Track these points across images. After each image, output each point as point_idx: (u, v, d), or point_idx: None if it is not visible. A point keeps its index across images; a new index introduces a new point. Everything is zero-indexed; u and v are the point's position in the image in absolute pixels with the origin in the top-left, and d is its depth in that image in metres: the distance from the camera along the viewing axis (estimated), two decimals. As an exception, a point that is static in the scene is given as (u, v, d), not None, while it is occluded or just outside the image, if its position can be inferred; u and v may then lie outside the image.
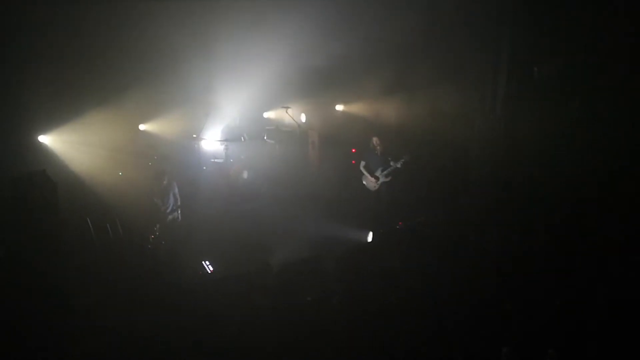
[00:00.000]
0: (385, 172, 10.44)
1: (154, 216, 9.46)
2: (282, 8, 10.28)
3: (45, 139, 10.09)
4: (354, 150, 11.93)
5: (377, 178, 10.49)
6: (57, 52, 9.51)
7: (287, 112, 12.11)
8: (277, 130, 12.51)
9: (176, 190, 9.81)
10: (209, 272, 8.61)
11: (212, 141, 11.74)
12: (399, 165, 10.31)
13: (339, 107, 13.07)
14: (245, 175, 11.83)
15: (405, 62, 11.34)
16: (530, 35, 9.96)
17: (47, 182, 7.84)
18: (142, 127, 11.49)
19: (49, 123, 10.00)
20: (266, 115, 12.95)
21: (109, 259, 8.78)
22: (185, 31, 10.30)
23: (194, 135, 11.71)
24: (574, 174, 8.79)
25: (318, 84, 12.00)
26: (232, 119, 11.98)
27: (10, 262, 7.39)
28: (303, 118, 12.66)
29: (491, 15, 10.37)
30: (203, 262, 8.74)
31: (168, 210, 9.65)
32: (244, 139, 11.84)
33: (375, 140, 10.57)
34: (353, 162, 11.42)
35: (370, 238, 9.93)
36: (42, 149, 10.00)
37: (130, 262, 8.66)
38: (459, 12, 10.29)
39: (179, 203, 9.84)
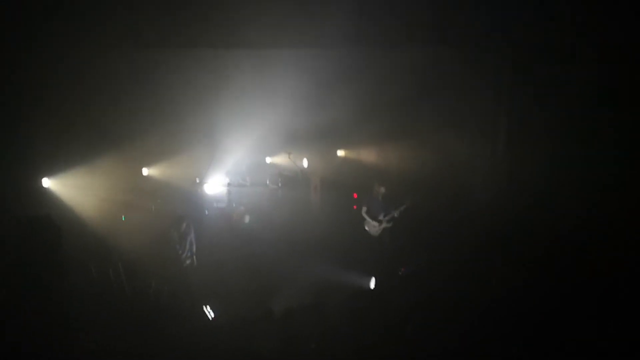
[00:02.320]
0: (387, 218, 10.45)
1: (169, 260, 9.49)
2: (286, 59, 10.51)
3: (49, 182, 10.12)
4: (355, 196, 11.98)
5: (379, 223, 10.50)
6: (61, 98, 9.62)
7: (289, 157, 12.24)
8: (280, 175, 12.60)
9: (193, 235, 9.85)
10: (211, 318, 8.53)
11: (215, 186, 11.81)
12: (401, 209, 10.33)
13: (341, 153, 13.21)
14: (247, 219, 11.85)
15: (406, 109, 11.54)
16: (529, 79, 10.22)
17: (50, 226, 7.86)
18: (145, 171, 11.55)
19: (54, 167, 10.04)
20: (269, 160, 13.06)
21: (110, 303, 8.70)
22: (189, 79, 10.47)
23: (197, 180, 11.78)
24: (578, 213, 8.88)
25: (320, 130, 12.14)
26: (235, 164, 12.08)
27: (11, 305, 7.33)
28: (305, 163, 12.77)
29: (491, 61, 10.66)
30: (204, 307, 8.68)
31: (184, 255, 9.67)
32: (247, 183, 11.95)
33: (377, 187, 10.62)
34: (354, 207, 11.45)
35: (372, 284, 9.87)
36: (46, 193, 10.02)
37: (131, 307, 8.59)
38: (460, 60, 10.54)
39: (194, 249, 9.86)
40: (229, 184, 11.79)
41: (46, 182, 10.07)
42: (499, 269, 9.13)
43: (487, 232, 10.04)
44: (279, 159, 12.90)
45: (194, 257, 9.87)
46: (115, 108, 10.22)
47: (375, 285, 9.84)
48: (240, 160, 12.06)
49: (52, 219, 8.06)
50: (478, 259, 9.53)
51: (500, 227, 10.08)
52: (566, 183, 9.24)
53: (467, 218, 10.64)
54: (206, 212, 11.78)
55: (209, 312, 8.61)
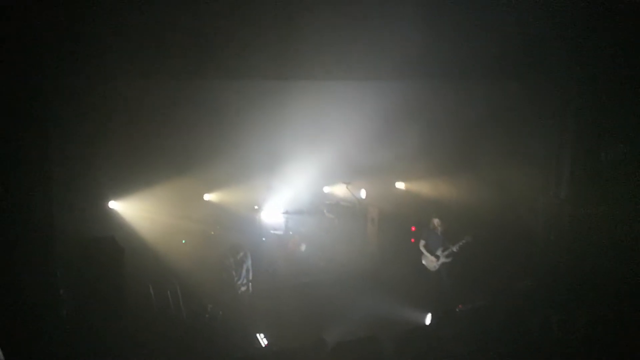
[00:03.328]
0: (445, 253, 10.21)
1: (225, 286, 9.62)
2: (344, 90, 10.60)
3: (115, 205, 10.51)
4: (413, 229, 11.81)
5: (437, 258, 10.27)
6: (128, 125, 9.94)
7: (347, 187, 12.24)
8: (337, 205, 12.61)
9: (249, 263, 9.96)
10: (263, 345, 8.54)
11: (272, 213, 11.95)
12: (461, 244, 10.08)
13: (400, 185, 13.11)
14: (303, 248, 11.89)
15: (468, 143, 11.38)
16: (595, 117, 9.90)
17: (114, 248, 8.13)
18: (206, 196, 11.82)
19: (120, 190, 10.43)
20: (327, 189, 13.10)
21: (167, 325, 8.89)
22: (251, 109, 10.69)
23: (256, 207, 11.95)
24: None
25: (379, 161, 12.09)
26: (293, 192, 12.18)
27: (73, 323, 7.59)
28: (363, 194, 12.73)
29: (556, 97, 10.41)
30: (258, 334, 8.70)
31: (240, 282, 9.78)
32: (304, 211, 12.02)
33: (436, 221, 10.41)
34: (412, 240, 11.28)
35: (428, 320, 9.63)
36: (112, 215, 10.39)
37: (187, 330, 8.73)
38: (524, 94, 10.35)
39: (250, 276, 9.96)
40: (286, 212, 11.89)
41: (112, 204, 10.46)
42: (560, 314, 8.73)
43: (547, 273, 9.67)
44: (337, 189, 12.92)
45: (250, 284, 9.95)
46: (180, 136, 10.54)
47: (431, 321, 9.59)
48: (298, 188, 12.14)
49: (116, 241, 8.34)
50: (538, 301, 9.16)
51: (561, 269, 9.70)
52: (632, 226, 8.82)
53: (528, 258, 10.29)
54: (263, 239, 11.90)
55: (262, 340, 8.62)
